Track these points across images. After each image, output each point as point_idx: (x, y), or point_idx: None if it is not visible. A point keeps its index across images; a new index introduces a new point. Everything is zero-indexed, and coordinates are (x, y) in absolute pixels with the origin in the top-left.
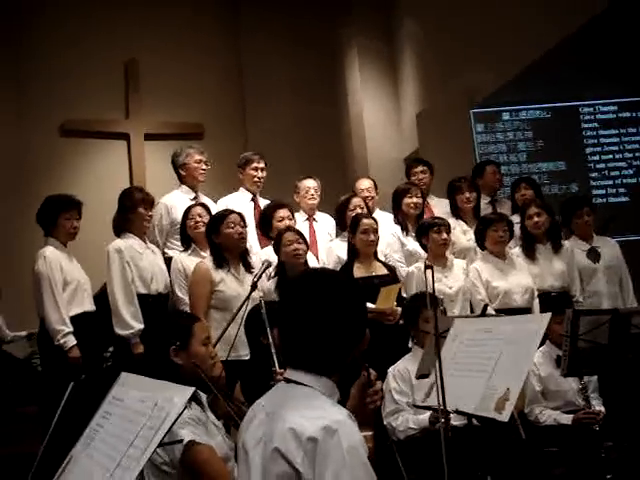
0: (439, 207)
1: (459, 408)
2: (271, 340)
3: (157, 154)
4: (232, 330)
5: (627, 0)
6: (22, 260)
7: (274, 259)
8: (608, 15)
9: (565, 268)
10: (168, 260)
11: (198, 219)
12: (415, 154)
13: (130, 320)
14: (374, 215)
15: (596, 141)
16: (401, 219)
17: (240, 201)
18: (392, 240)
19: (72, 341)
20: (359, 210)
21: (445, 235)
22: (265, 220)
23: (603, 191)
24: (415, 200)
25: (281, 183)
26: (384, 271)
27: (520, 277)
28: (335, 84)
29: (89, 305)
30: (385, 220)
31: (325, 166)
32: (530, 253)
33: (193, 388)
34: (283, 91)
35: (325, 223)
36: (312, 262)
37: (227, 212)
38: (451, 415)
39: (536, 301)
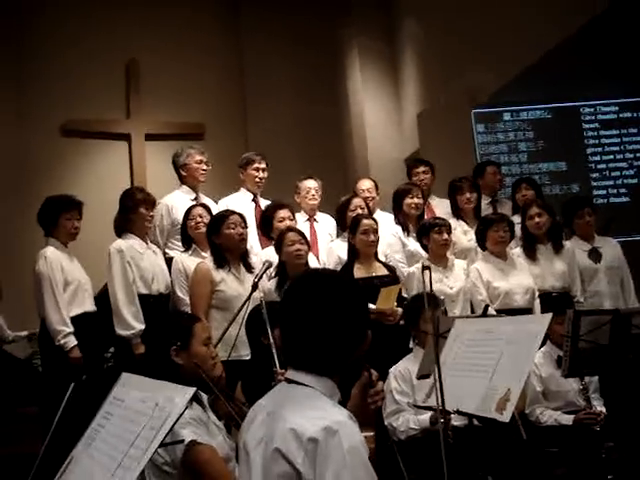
0: (440, 207)
1: (460, 408)
2: (272, 340)
3: (158, 154)
4: (233, 330)
5: (627, 0)
6: (23, 260)
7: (275, 259)
8: (608, 15)
9: (566, 268)
10: (169, 260)
11: (199, 219)
12: (416, 154)
13: (131, 320)
14: (375, 215)
15: (597, 141)
16: (402, 219)
17: (241, 201)
18: (393, 240)
19: (73, 341)
20: (360, 210)
21: (446, 235)
22: (266, 220)
23: (604, 191)
24: (416, 200)
25: (282, 183)
26: (384, 272)
27: (521, 277)
28: (336, 84)
29: (90, 305)
30: (386, 220)
31: (326, 166)
32: (531, 253)
33: (194, 388)
34: (284, 91)
35: (326, 223)
36: (313, 262)
37: (228, 213)
38: (452, 415)
39: (537, 301)
